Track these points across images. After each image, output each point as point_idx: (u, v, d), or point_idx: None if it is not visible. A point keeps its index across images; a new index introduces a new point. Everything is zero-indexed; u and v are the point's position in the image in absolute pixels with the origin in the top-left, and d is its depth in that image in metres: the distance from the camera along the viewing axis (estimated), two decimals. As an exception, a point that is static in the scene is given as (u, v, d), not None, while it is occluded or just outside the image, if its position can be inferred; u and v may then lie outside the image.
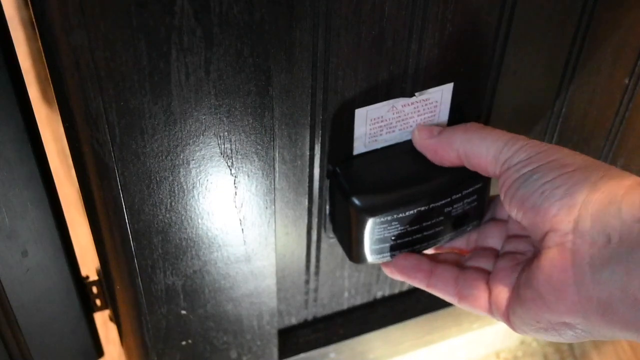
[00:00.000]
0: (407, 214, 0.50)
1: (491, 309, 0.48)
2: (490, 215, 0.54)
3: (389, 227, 0.50)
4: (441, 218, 0.51)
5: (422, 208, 0.50)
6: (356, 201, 0.49)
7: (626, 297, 0.38)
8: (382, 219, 0.49)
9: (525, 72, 0.52)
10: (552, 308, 0.42)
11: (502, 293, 0.47)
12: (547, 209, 0.42)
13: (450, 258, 0.52)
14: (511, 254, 0.49)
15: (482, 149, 0.46)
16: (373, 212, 0.49)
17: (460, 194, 0.50)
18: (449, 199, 0.50)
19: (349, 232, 0.51)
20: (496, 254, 0.51)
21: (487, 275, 0.49)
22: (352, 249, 0.52)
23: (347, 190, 0.50)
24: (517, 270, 0.47)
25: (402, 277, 0.52)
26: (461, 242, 0.54)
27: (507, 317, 0.46)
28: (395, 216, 0.50)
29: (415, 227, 0.51)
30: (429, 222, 0.51)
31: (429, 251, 0.54)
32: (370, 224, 0.50)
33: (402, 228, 0.50)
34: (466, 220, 0.52)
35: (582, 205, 0.40)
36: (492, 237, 0.52)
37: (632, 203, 0.38)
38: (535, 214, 0.42)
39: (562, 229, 0.41)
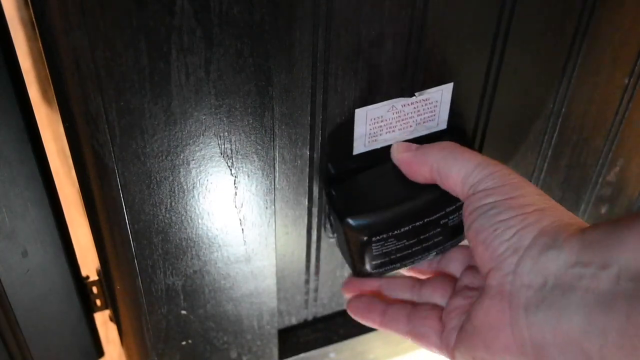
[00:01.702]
0: (402, 230, 0.50)
1: (441, 347, 0.48)
2: None
3: (386, 244, 0.51)
4: (438, 229, 0.52)
5: (417, 223, 0.50)
6: (351, 222, 0.50)
7: (557, 340, 0.38)
8: (378, 238, 0.50)
9: (525, 72, 0.52)
10: (489, 347, 0.42)
11: (452, 332, 0.46)
12: (495, 247, 0.42)
13: (405, 284, 0.52)
14: (467, 289, 0.49)
15: (453, 169, 0.46)
16: (368, 232, 0.50)
17: (454, 206, 0.51)
18: (443, 212, 0.51)
19: (349, 251, 0.52)
20: (454, 284, 0.50)
21: (440, 312, 0.49)
22: (355, 266, 0.53)
23: (342, 212, 0.50)
24: (468, 309, 0.47)
25: (356, 317, 0.53)
26: (422, 264, 0.54)
27: (453, 354, 0.46)
28: (391, 234, 0.50)
29: (413, 241, 0.51)
30: (427, 235, 0.51)
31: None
32: (366, 244, 0.50)
33: (399, 243, 0.51)
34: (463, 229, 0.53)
35: (527, 248, 0.40)
36: (455, 262, 0.52)
37: (571, 248, 0.39)
38: (484, 249, 0.42)
39: (504, 268, 0.41)
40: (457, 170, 0.45)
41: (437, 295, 0.50)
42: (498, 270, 0.41)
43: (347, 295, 0.54)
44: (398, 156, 0.50)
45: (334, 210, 0.52)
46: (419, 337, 0.49)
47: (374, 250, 0.51)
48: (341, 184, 0.52)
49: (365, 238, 0.50)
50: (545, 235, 0.40)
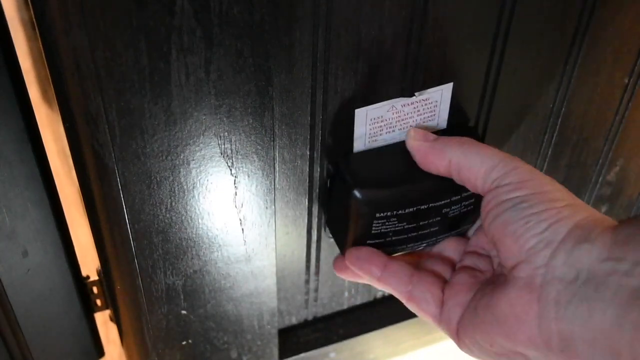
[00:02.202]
0: (406, 211, 0.50)
1: (440, 319, 0.47)
2: None
3: (387, 223, 0.50)
4: (438, 218, 0.51)
5: (422, 207, 0.50)
6: (358, 194, 0.49)
7: (587, 335, 0.38)
8: (382, 214, 0.50)
9: (525, 72, 0.52)
10: (510, 337, 0.42)
11: (455, 307, 0.46)
12: (526, 240, 0.42)
13: (406, 258, 0.52)
14: (470, 269, 0.49)
15: (476, 163, 0.46)
16: (374, 206, 0.49)
17: (459, 196, 0.51)
18: (447, 200, 0.50)
19: (347, 226, 0.51)
20: (453, 265, 0.51)
21: (443, 284, 0.49)
22: (348, 244, 0.52)
23: (350, 183, 0.50)
24: (474, 288, 0.47)
25: (354, 268, 0.51)
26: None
27: (456, 333, 0.46)
28: (395, 212, 0.50)
29: (412, 225, 0.51)
30: (426, 222, 0.51)
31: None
32: (370, 218, 0.50)
33: (399, 225, 0.51)
34: (461, 222, 0.53)
35: (560, 243, 0.40)
36: (450, 250, 0.52)
37: (604, 243, 0.39)
38: (513, 242, 0.42)
39: (535, 261, 0.41)
40: (479, 165, 0.45)
41: (439, 267, 0.50)
42: (528, 263, 0.41)
43: (339, 268, 0.53)
44: (414, 143, 0.49)
45: (341, 181, 0.51)
46: (418, 301, 0.49)
47: (374, 228, 0.51)
48: (349, 156, 0.51)
49: (370, 212, 0.49)
50: (579, 229, 0.40)
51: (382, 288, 0.51)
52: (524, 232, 0.42)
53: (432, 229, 0.52)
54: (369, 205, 0.49)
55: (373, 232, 0.51)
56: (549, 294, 0.40)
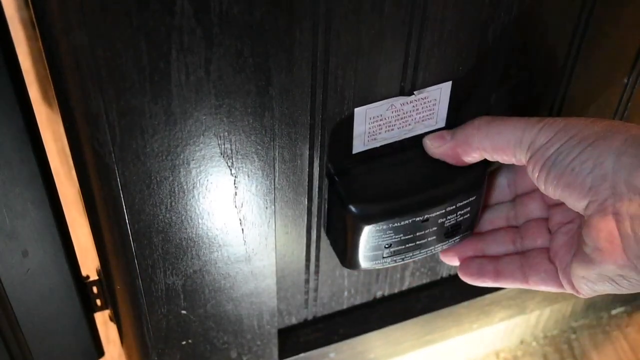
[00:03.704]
0: (402, 223, 0.50)
1: (562, 287, 0.49)
2: (513, 193, 0.55)
3: (383, 236, 0.51)
4: (434, 228, 0.52)
5: (417, 218, 0.51)
6: (353, 209, 0.50)
7: None
8: (378, 227, 0.50)
9: (524, 71, 0.52)
10: (603, 267, 0.44)
11: (567, 269, 0.48)
12: (581, 184, 0.44)
13: (505, 239, 0.54)
14: (562, 225, 0.51)
15: (502, 143, 0.47)
16: (369, 220, 0.50)
17: (454, 206, 0.51)
18: (443, 211, 0.51)
19: (344, 239, 0.52)
20: (546, 224, 0.52)
21: (547, 253, 0.51)
22: (346, 255, 0.53)
23: (345, 198, 0.51)
24: (574, 242, 0.49)
25: (470, 281, 0.54)
26: (500, 221, 0.55)
27: (572, 284, 0.48)
28: (390, 225, 0.50)
29: (409, 237, 0.52)
30: (422, 232, 0.52)
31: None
32: (365, 232, 0.50)
33: (396, 237, 0.51)
34: (458, 231, 0.53)
35: (613, 172, 0.42)
36: (535, 210, 0.53)
37: None
38: (572, 191, 0.44)
39: (599, 197, 0.43)
40: (506, 143, 0.47)
41: (539, 241, 0.52)
42: (594, 202, 0.43)
43: (449, 262, 0.55)
44: (437, 151, 0.51)
45: (336, 196, 0.52)
46: (537, 283, 0.51)
47: (370, 241, 0.51)
48: (345, 171, 0.52)
49: (365, 226, 0.50)
50: (624, 154, 0.42)
51: (500, 286, 0.53)
52: (575, 178, 0.44)
53: (430, 239, 0.52)
54: (364, 220, 0.50)
55: (371, 244, 0.51)
56: (624, 219, 0.42)
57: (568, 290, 0.49)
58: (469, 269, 0.54)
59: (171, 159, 0.45)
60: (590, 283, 0.46)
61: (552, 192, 0.46)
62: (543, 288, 0.51)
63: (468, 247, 0.55)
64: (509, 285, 0.52)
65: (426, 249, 0.53)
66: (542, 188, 0.46)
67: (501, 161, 0.48)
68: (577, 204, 0.44)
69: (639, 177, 0.42)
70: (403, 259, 0.53)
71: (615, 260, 0.43)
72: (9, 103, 0.45)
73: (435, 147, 0.51)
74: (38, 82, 1.04)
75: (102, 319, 0.67)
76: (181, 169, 0.46)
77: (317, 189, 0.54)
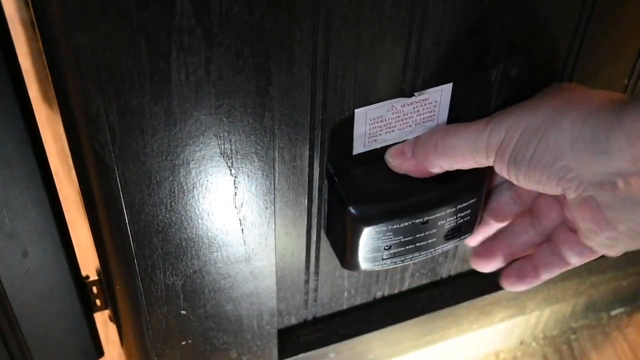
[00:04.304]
0: (401, 225, 0.50)
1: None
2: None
3: (383, 237, 0.51)
4: (434, 230, 0.52)
5: (417, 220, 0.51)
6: (353, 210, 0.50)
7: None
8: (377, 229, 0.50)
9: (524, 72, 0.52)
10: (601, 239, 0.45)
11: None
12: (548, 178, 0.44)
13: (524, 227, 0.54)
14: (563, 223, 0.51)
15: (458, 155, 0.47)
16: (369, 221, 0.50)
17: (454, 209, 0.51)
18: (443, 213, 0.51)
19: (344, 240, 0.52)
20: (557, 197, 0.52)
21: (568, 226, 0.51)
22: (346, 256, 0.53)
23: (345, 199, 0.51)
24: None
25: (515, 289, 0.54)
26: (509, 208, 0.55)
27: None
28: (390, 227, 0.50)
29: (409, 238, 0.51)
30: (422, 234, 0.52)
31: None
32: (365, 233, 0.50)
33: (395, 239, 0.51)
34: (458, 233, 0.53)
35: (573, 160, 0.43)
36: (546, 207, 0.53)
37: (619, 148, 0.41)
38: (543, 186, 0.45)
39: (571, 186, 0.43)
40: (462, 155, 0.47)
41: (553, 213, 0.52)
42: (568, 190, 0.44)
43: (483, 269, 0.55)
44: (399, 168, 0.50)
45: (336, 197, 0.52)
46: (578, 258, 0.51)
47: (370, 242, 0.51)
48: (344, 172, 0.52)
49: (365, 227, 0.50)
50: (577, 141, 0.42)
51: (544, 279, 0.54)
52: (541, 175, 0.44)
53: (430, 241, 0.52)
54: (363, 221, 0.50)
55: (370, 245, 0.51)
56: (600, 203, 0.43)
57: (603, 253, 0.49)
58: (510, 277, 0.53)
59: (171, 159, 0.45)
60: (605, 247, 0.46)
61: (527, 187, 0.46)
62: (587, 259, 0.50)
63: (495, 248, 0.55)
64: (554, 273, 0.52)
65: (426, 251, 0.53)
66: (518, 184, 0.46)
67: (467, 168, 0.48)
68: (554, 193, 0.45)
69: (599, 162, 0.42)
70: (403, 261, 0.53)
71: (607, 235, 0.44)
72: (9, 103, 0.45)
73: (397, 164, 0.50)
74: (38, 82, 1.04)
75: (102, 319, 0.67)
76: (181, 169, 0.46)
77: (317, 190, 0.53)
